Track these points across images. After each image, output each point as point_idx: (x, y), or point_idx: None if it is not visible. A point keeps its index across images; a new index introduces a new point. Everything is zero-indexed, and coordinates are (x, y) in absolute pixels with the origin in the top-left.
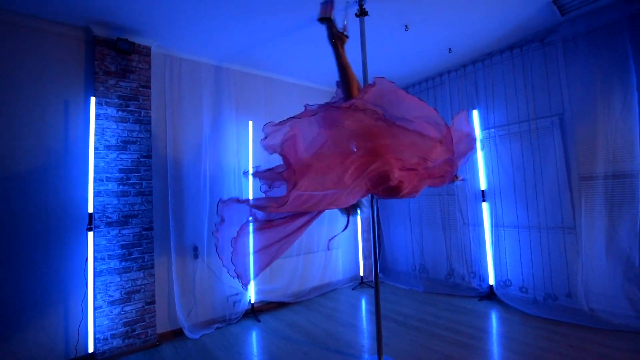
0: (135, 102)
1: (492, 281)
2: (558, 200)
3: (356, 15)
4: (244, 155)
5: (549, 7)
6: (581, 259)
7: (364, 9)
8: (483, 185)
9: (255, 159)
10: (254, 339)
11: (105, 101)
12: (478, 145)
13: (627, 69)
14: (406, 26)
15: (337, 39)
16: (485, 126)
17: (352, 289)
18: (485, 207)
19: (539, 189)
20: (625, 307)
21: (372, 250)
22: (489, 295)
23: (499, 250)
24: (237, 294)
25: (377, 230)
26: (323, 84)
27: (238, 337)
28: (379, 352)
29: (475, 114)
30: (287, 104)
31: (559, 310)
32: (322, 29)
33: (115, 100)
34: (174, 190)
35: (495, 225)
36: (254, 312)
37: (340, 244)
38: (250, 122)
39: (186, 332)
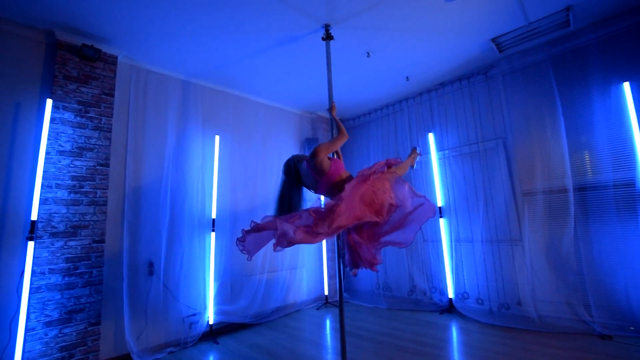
0: (96, 109)
1: (451, 294)
2: (505, 214)
3: (322, 38)
4: (208, 170)
5: (489, 44)
6: (527, 269)
7: (330, 33)
8: (440, 202)
9: (221, 174)
10: None
11: (63, 105)
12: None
13: (554, 99)
14: (368, 53)
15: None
16: (440, 148)
17: (317, 309)
18: (442, 223)
19: (489, 205)
20: (566, 312)
21: (337, 269)
22: (449, 308)
23: (457, 265)
24: (194, 315)
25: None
26: (291, 105)
27: None
28: None
29: (431, 137)
30: (255, 123)
31: (512, 318)
32: (292, 51)
33: (74, 105)
34: (131, 202)
35: (453, 240)
36: (212, 334)
37: (304, 263)
38: (217, 137)
39: (134, 358)
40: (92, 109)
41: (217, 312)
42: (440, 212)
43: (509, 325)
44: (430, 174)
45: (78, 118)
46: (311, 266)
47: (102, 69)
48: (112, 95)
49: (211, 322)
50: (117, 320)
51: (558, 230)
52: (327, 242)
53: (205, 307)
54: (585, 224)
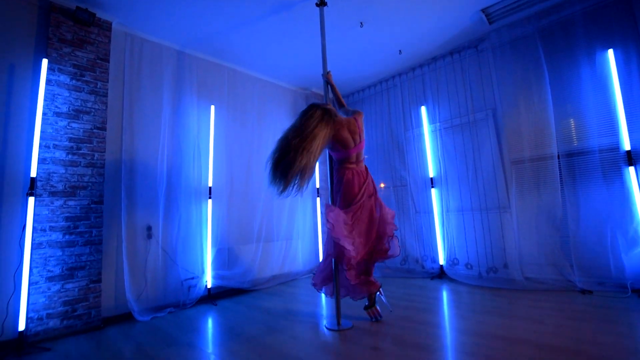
0: (92, 74)
1: (442, 262)
2: (494, 183)
3: (316, 4)
4: (204, 140)
5: (479, 15)
6: (514, 234)
7: None
8: (432, 173)
9: (217, 145)
10: (211, 320)
11: (59, 68)
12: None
13: (541, 70)
14: (361, 23)
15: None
16: (432, 121)
17: None
18: (434, 193)
19: (479, 174)
20: (550, 272)
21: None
22: (440, 274)
23: (448, 233)
24: (192, 278)
25: None
26: (286, 81)
27: (194, 319)
28: (338, 315)
29: (423, 110)
30: (249, 97)
31: (499, 280)
32: (286, 19)
33: (70, 68)
34: (128, 167)
35: (444, 210)
36: (211, 297)
37: (299, 234)
38: (212, 107)
39: (135, 315)
40: (88, 72)
41: (215, 277)
42: (432, 183)
43: (496, 286)
44: (423, 146)
45: (74, 81)
46: (306, 238)
47: (96, 34)
48: (107, 61)
49: (209, 286)
50: (118, 279)
51: (545, 196)
52: (322, 214)
53: (203, 272)
54: (573, 188)
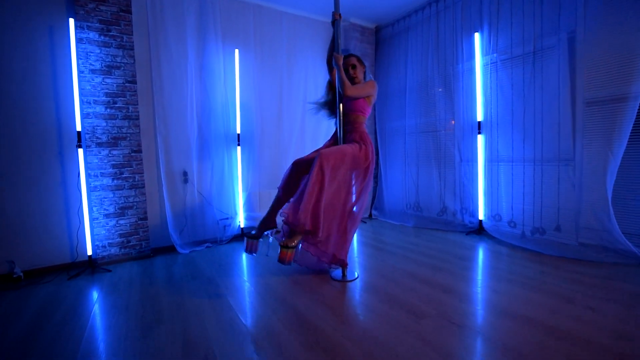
0: (117, 27)
1: (482, 216)
2: (557, 129)
3: None
4: (231, 85)
5: None
6: (575, 192)
7: None
8: (480, 117)
9: (244, 90)
10: (237, 256)
11: (87, 25)
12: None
13: None
14: None
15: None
16: (486, 52)
17: None
18: (480, 140)
19: (538, 118)
20: (614, 242)
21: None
22: (478, 230)
23: (492, 186)
24: (227, 218)
25: (377, 169)
26: (319, 13)
27: (225, 254)
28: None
29: (476, 37)
30: (276, 35)
31: (546, 244)
32: None
33: (97, 24)
34: (161, 116)
35: (490, 160)
36: (243, 235)
37: None
38: (237, 51)
39: (177, 248)
40: (113, 27)
41: (247, 218)
42: (479, 128)
43: (541, 250)
44: (472, 83)
45: (102, 37)
46: None
47: None
48: (130, 12)
49: (242, 226)
50: (162, 218)
51: (621, 147)
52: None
53: (236, 213)
54: None
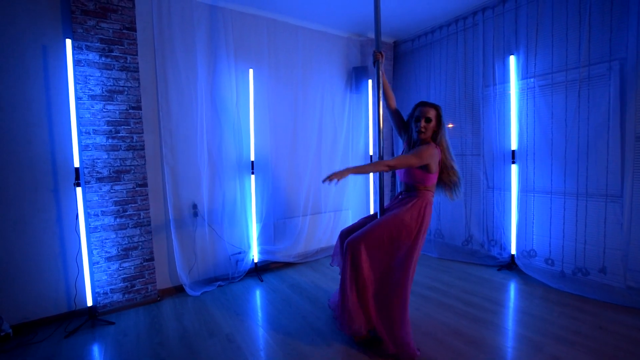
0: (120, 47)
1: (514, 250)
2: (604, 162)
3: None
4: (243, 107)
5: None
6: (623, 230)
7: None
8: (514, 145)
9: (257, 112)
10: (252, 298)
11: (86, 45)
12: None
13: None
14: None
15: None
16: (523, 75)
17: None
18: (514, 169)
19: (582, 150)
20: None
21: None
22: (510, 265)
23: (526, 218)
24: (239, 253)
25: (393, 191)
26: (336, 27)
27: (239, 297)
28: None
29: (512, 60)
30: (292, 51)
31: (589, 285)
32: None
33: (97, 44)
34: (168, 145)
35: (524, 190)
36: (257, 271)
37: (350, 204)
38: (251, 71)
39: (187, 290)
40: (116, 46)
41: (261, 252)
42: (513, 157)
43: (584, 294)
44: (506, 108)
45: (103, 58)
46: (357, 207)
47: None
48: (134, 30)
49: (256, 261)
50: (169, 256)
51: None
52: (374, 183)
53: (249, 247)
54: None
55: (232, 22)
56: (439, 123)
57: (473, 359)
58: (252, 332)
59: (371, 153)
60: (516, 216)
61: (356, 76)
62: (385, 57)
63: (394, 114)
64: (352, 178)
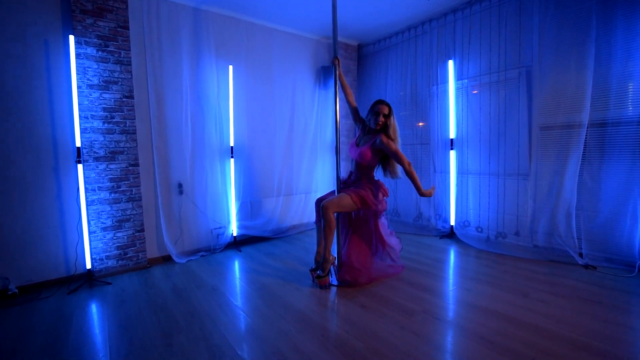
0: (115, 43)
1: (453, 222)
2: (517, 148)
3: None
4: (224, 99)
5: None
6: (529, 202)
7: None
8: (452, 134)
9: (236, 103)
10: (233, 264)
11: (85, 40)
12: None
13: (589, 26)
14: None
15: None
16: (459, 77)
17: None
18: (452, 155)
19: (502, 138)
20: (559, 244)
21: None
22: (450, 234)
23: (462, 195)
24: (220, 227)
25: None
26: (307, 30)
27: (220, 263)
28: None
29: (450, 64)
30: (268, 51)
31: (507, 246)
32: None
33: (95, 40)
34: (157, 130)
35: (461, 172)
36: (236, 243)
37: (318, 187)
38: (231, 67)
39: (174, 258)
40: (111, 42)
41: (240, 227)
42: (452, 145)
43: (502, 252)
44: (446, 104)
45: (100, 52)
46: (324, 190)
47: (113, 0)
48: (127, 28)
49: (235, 235)
50: (157, 228)
51: (566, 166)
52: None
53: (229, 222)
54: (600, 160)
55: (214, 24)
56: (390, 117)
57: (425, 301)
58: (233, 284)
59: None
60: (454, 194)
61: (324, 74)
62: (350, 57)
63: (352, 109)
64: (320, 164)
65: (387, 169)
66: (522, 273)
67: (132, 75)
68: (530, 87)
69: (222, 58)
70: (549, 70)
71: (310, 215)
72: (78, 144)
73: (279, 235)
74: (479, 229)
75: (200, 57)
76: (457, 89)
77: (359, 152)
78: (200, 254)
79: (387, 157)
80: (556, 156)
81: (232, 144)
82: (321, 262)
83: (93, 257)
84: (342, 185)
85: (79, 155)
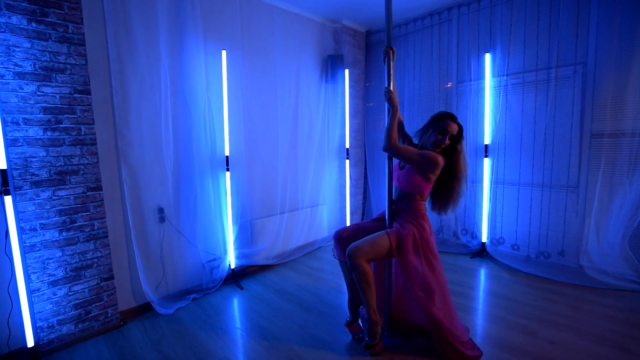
0: (58, 11)
1: (484, 239)
2: (567, 157)
3: None
4: (215, 92)
5: None
6: (579, 218)
7: None
8: (487, 140)
9: (231, 96)
10: (237, 311)
11: (6, 4)
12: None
13: None
14: None
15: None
16: (497, 73)
17: None
18: (486, 162)
19: (549, 145)
20: (621, 267)
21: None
22: (480, 252)
23: (496, 208)
24: (214, 260)
25: (365, 185)
26: (312, 10)
27: (220, 310)
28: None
29: (487, 58)
30: (268, 33)
31: (551, 267)
32: None
33: (24, 4)
34: (126, 138)
35: (495, 182)
36: (235, 277)
37: (325, 199)
38: (224, 52)
39: (156, 307)
40: (51, 10)
41: (239, 256)
42: (486, 151)
43: (545, 275)
44: (481, 105)
45: (33, 24)
46: (332, 202)
47: None
48: None
49: (233, 267)
50: (132, 272)
51: (627, 180)
52: (350, 177)
53: (225, 252)
54: None
55: None
56: (461, 141)
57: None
58: (251, 352)
59: (347, 146)
60: (488, 207)
61: (332, 65)
62: (358, 46)
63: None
64: (328, 172)
65: (438, 200)
66: (593, 308)
67: (86, 60)
68: (585, 88)
69: (213, 42)
70: (608, 69)
71: (317, 232)
72: (2, 165)
73: (282, 261)
74: (516, 247)
75: (183, 38)
76: (495, 87)
77: (402, 176)
78: (192, 296)
79: (444, 184)
80: (615, 168)
81: (227, 152)
82: (367, 327)
83: (38, 325)
84: (373, 220)
85: (4, 183)
